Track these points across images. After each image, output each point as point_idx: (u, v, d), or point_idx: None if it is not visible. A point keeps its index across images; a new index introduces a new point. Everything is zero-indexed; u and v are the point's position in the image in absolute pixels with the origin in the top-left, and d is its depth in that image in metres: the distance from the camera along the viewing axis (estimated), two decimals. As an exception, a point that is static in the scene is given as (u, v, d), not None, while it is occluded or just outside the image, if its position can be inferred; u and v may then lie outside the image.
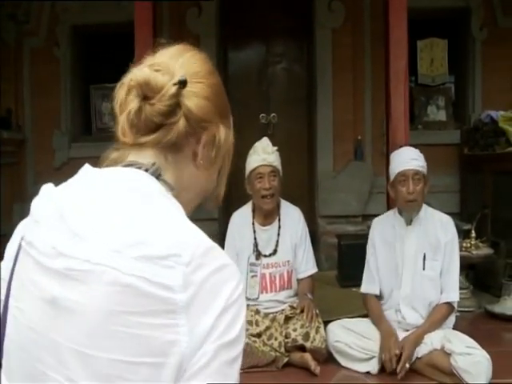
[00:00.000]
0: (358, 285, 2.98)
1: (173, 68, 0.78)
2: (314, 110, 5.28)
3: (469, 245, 3.68)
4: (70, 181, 0.78)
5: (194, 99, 0.78)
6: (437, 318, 2.69)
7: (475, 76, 5.26)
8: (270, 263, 2.97)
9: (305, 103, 5.59)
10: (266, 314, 2.93)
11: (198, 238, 0.71)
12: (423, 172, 2.74)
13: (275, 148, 2.95)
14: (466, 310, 3.59)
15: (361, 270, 2.95)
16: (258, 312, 2.92)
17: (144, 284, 0.64)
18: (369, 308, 2.88)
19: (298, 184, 5.15)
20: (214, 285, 0.67)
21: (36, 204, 0.77)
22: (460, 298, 2.83)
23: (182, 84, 0.76)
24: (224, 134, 0.84)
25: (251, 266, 2.95)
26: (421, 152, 2.82)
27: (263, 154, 2.90)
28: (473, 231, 3.78)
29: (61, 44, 5.39)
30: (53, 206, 0.73)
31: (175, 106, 0.77)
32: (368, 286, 2.88)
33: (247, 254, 2.97)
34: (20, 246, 0.76)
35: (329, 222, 5.07)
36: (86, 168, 0.79)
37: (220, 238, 4.97)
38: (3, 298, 0.74)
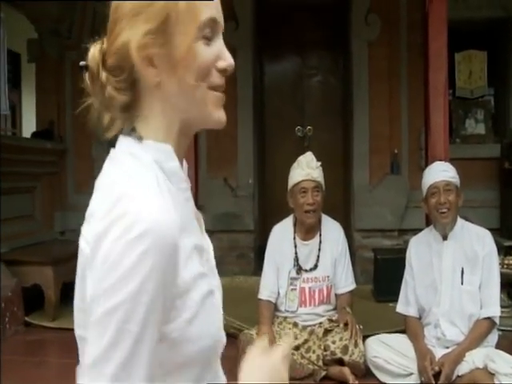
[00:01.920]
0: (394, 300, 2.95)
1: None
2: (350, 122, 5.26)
3: (511, 262, 3.59)
4: None
5: (111, 50, 0.78)
6: (478, 334, 2.63)
7: (516, 88, 5.16)
8: (309, 278, 2.97)
9: (340, 116, 5.59)
10: (304, 327, 2.93)
11: (117, 189, 0.72)
12: (455, 183, 2.72)
13: (319, 163, 2.95)
14: (509, 329, 3.49)
15: (397, 284, 2.92)
16: (296, 325, 2.93)
17: (82, 242, 0.75)
18: (406, 326, 2.86)
19: (334, 197, 5.11)
20: (107, 234, 0.68)
21: None
22: (502, 317, 2.76)
23: (85, 69, 0.78)
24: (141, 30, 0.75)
25: (291, 280, 2.95)
26: (459, 166, 2.80)
27: (307, 169, 2.90)
28: (514, 247, 3.70)
29: (101, 57, 5.53)
30: None
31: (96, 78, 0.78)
32: (402, 307, 2.85)
33: (288, 268, 2.97)
34: None
35: (364, 236, 5.03)
36: None
37: (256, 249, 5.01)
38: None
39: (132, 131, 0.80)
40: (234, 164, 5.19)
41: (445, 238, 2.74)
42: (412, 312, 2.81)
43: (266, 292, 2.95)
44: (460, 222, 2.77)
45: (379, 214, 4.96)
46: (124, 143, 0.79)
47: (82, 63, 0.79)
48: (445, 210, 2.67)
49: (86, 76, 0.79)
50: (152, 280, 0.67)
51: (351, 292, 3.05)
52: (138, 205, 0.69)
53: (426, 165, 3.26)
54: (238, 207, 5.04)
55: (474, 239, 2.72)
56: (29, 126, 6.86)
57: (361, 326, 2.83)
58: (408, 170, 5.14)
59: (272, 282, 2.96)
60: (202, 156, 5.07)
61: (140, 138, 0.78)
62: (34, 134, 5.52)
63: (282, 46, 5.64)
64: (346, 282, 3.02)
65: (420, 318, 2.82)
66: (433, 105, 3.37)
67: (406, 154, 5.18)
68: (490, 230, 2.90)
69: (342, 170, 5.51)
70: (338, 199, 5.35)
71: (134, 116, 0.80)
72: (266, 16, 5.47)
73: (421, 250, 2.83)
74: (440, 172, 2.74)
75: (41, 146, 5.06)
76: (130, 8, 0.76)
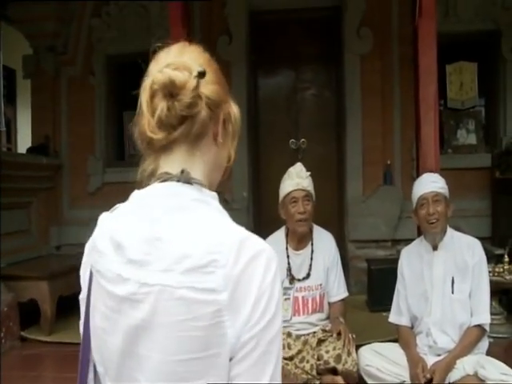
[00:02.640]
0: (388, 309, 2.97)
1: (186, 64, 0.87)
2: (344, 135, 5.32)
3: (502, 270, 3.63)
4: (122, 208, 0.88)
5: (209, 87, 0.87)
6: (468, 341, 2.65)
7: (506, 98, 5.23)
8: (302, 287, 3.00)
9: (334, 128, 5.64)
10: (298, 337, 2.95)
11: (232, 235, 0.81)
12: (443, 194, 2.75)
13: (308, 173, 3.00)
14: (500, 336, 3.53)
15: (390, 294, 2.95)
16: (289, 335, 2.94)
17: (193, 293, 0.76)
18: (398, 335, 2.89)
19: (328, 208, 5.17)
20: (248, 276, 0.77)
21: (96, 236, 0.87)
22: (493, 324, 2.80)
23: (202, 75, 0.85)
24: (235, 108, 0.96)
25: (284, 290, 2.98)
26: (451, 176, 2.83)
27: (297, 179, 2.95)
28: (506, 256, 3.74)
29: (96, 72, 5.61)
30: (109, 237, 0.84)
31: (197, 96, 0.85)
32: (395, 317, 2.88)
33: (281, 279, 2.99)
34: (91, 273, 0.86)
35: (358, 247, 5.07)
36: (134, 194, 0.88)
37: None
38: (83, 316, 0.87)
39: (182, 175, 0.86)
40: (229, 177, 5.19)
41: (435, 248, 2.77)
42: (404, 321, 2.84)
43: None
44: (450, 231, 2.81)
45: (373, 224, 5.01)
46: (188, 191, 0.85)
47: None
48: (434, 221, 2.70)
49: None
50: None
51: (344, 300, 3.08)
52: (258, 241, 0.82)
53: (418, 175, 3.31)
54: (233, 220, 5.05)
55: (464, 248, 2.75)
56: (24, 141, 6.90)
57: (353, 336, 2.85)
58: (401, 180, 5.20)
59: (265, 294, 2.98)
60: (197, 169, 5.10)
61: (203, 185, 0.88)
62: (29, 150, 5.56)
63: (275, 60, 5.70)
64: (338, 291, 3.05)
65: (412, 327, 2.85)
66: (423, 117, 3.42)
67: (399, 165, 5.25)
68: (482, 238, 2.94)
69: (335, 182, 5.56)
70: (331, 210, 5.39)
71: (184, 156, 0.89)
72: (259, 30, 5.54)
73: (412, 260, 2.86)
74: (429, 183, 2.78)
75: (36, 161, 5.10)
76: (225, 89, 0.94)
